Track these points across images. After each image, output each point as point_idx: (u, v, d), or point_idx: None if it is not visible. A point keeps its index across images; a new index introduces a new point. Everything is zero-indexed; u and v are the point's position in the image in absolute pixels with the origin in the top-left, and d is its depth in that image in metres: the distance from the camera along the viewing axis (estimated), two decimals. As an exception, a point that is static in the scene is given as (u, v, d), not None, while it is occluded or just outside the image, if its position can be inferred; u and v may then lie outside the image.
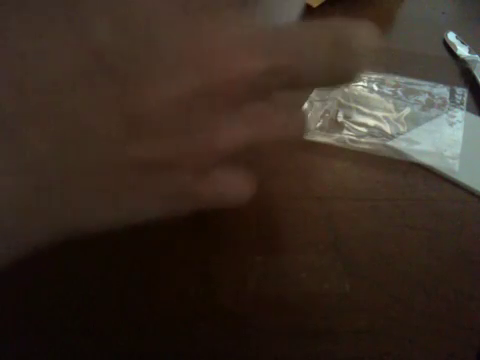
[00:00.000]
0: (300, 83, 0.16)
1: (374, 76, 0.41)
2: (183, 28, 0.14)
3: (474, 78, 0.42)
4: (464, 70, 0.43)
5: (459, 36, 0.48)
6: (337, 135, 0.35)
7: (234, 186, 0.18)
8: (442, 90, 0.40)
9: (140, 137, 0.14)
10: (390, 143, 0.34)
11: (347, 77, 0.17)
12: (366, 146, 0.34)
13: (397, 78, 0.41)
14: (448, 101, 0.39)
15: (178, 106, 0.14)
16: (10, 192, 0.13)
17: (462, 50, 0.46)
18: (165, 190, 0.16)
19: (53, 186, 0.14)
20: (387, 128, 0.36)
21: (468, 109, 0.38)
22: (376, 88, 0.40)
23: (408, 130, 0.36)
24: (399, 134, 0.35)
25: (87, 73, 0.13)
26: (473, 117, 0.37)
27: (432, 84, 0.41)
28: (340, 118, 0.37)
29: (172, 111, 0.14)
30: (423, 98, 0.39)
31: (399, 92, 0.40)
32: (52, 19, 0.13)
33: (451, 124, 0.36)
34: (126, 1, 0.13)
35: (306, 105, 0.38)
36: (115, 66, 0.13)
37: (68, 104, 0.13)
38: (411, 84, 0.41)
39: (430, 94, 0.39)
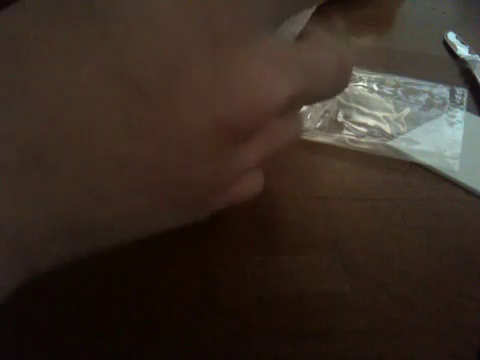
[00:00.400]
0: (312, 101, 0.17)
1: (374, 76, 0.41)
2: (212, 63, 0.14)
3: (474, 78, 0.42)
4: (464, 70, 0.43)
5: (459, 36, 0.48)
6: (337, 135, 0.35)
7: (246, 186, 0.18)
8: (442, 90, 0.40)
9: (174, 162, 0.15)
10: (390, 143, 0.34)
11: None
12: (366, 146, 0.34)
13: (397, 78, 0.41)
14: (448, 101, 0.39)
15: (208, 136, 0.14)
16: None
17: (462, 50, 0.46)
18: (186, 204, 0.17)
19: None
20: (387, 128, 0.36)
21: (468, 109, 0.38)
22: (376, 88, 0.40)
23: (408, 130, 0.36)
24: (399, 134, 0.35)
25: (125, 102, 0.13)
26: (473, 117, 0.37)
27: (432, 84, 0.41)
28: (340, 118, 0.37)
29: (202, 141, 0.14)
30: (423, 98, 0.39)
31: (399, 92, 0.40)
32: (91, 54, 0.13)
33: (451, 124, 0.36)
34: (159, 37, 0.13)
35: (306, 105, 0.38)
36: (151, 94, 0.13)
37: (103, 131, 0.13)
38: (411, 84, 0.41)
39: (430, 94, 0.39)
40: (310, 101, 0.18)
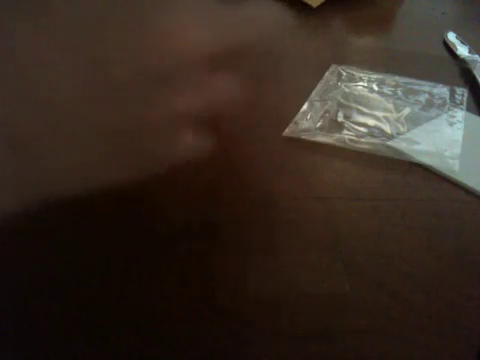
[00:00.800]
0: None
1: (374, 76, 0.41)
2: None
3: (474, 78, 0.42)
4: (464, 70, 0.43)
5: (459, 36, 0.48)
6: (337, 135, 0.35)
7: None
8: (442, 90, 0.40)
9: (109, 105, 0.16)
10: (390, 143, 0.34)
11: None
12: (366, 146, 0.34)
13: (397, 78, 0.41)
14: (448, 101, 0.39)
15: (138, 81, 0.16)
16: None
17: (462, 50, 0.46)
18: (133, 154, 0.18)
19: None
20: (387, 128, 0.36)
21: (468, 109, 0.38)
22: (376, 88, 0.40)
23: (408, 130, 0.36)
24: (399, 134, 0.35)
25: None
26: (473, 117, 0.37)
27: (432, 84, 0.41)
28: (340, 118, 0.37)
29: (133, 85, 0.16)
30: (423, 98, 0.39)
31: (399, 92, 0.40)
32: None
33: (451, 124, 0.36)
34: None
35: (306, 105, 0.38)
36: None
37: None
38: (411, 84, 0.41)
39: (430, 94, 0.39)
40: None
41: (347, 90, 0.40)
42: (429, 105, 0.38)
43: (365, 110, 0.38)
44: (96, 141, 0.18)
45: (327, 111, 0.37)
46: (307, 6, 0.52)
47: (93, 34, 0.16)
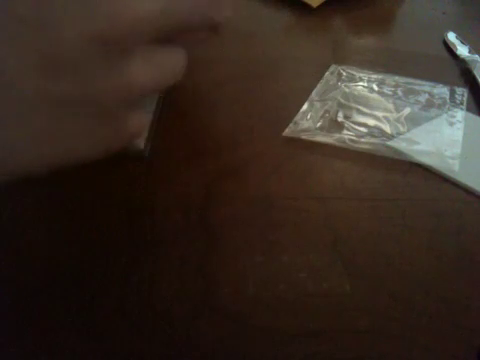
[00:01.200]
0: (187, 27, 0.20)
1: (374, 76, 0.41)
2: None
3: (474, 78, 0.42)
4: (464, 70, 0.43)
5: (459, 36, 0.48)
6: (337, 135, 0.35)
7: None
8: (442, 90, 0.40)
9: (56, 76, 0.16)
10: (390, 143, 0.34)
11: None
12: (366, 146, 0.34)
13: (397, 78, 0.41)
14: (448, 101, 0.39)
15: (85, 48, 0.16)
16: None
17: (462, 50, 0.46)
18: (92, 122, 0.18)
19: None
20: (387, 128, 0.36)
21: (468, 109, 0.38)
22: (376, 88, 0.40)
23: (408, 130, 0.36)
24: (399, 134, 0.35)
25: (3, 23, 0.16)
26: (473, 117, 0.37)
27: (432, 84, 0.41)
28: (340, 118, 0.37)
29: (80, 53, 0.16)
30: (423, 98, 0.39)
31: (399, 92, 0.40)
32: None
33: (451, 124, 0.36)
34: None
35: (306, 105, 0.38)
36: (29, 15, 0.16)
37: None
38: (411, 84, 0.41)
39: (430, 94, 0.39)
40: (180, 25, 0.20)
41: (347, 90, 0.40)
42: (429, 105, 0.38)
43: (365, 110, 0.38)
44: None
45: (327, 111, 0.37)
46: (307, 6, 0.52)
47: None
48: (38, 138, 0.18)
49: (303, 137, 0.35)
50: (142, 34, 0.18)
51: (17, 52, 0.16)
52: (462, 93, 0.40)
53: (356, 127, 0.36)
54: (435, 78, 0.41)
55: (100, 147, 0.19)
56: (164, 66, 0.19)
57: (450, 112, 0.37)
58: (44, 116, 0.17)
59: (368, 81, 0.41)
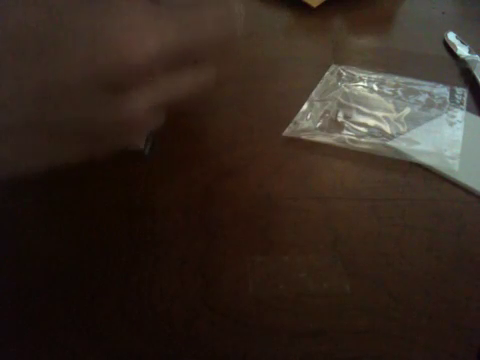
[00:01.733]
0: (193, 55, 0.20)
1: (374, 76, 0.41)
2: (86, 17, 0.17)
3: (474, 78, 0.42)
4: (464, 70, 0.43)
5: (459, 36, 0.48)
6: (337, 135, 0.35)
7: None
8: (442, 90, 0.40)
9: (54, 105, 0.17)
10: (390, 143, 0.34)
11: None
12: (366, 146, 0.34)
13: (397, 78, 0.41)
14: (448, 101, 0.39)
15: (88, 81, 0.17)
16: None
17: (462, 50, 0.46)
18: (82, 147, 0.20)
19: None
20: (387, 128, 0.36)
21: (468, 109, 0.38)
22: (376, 88, 0.40)
23: (408, 130, 0.36)
24: (399, 134, 0.35)
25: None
26: (473, 117, 0.37)
27: (432, 84, 0.41)
28: (340, 118, 0.37)
29: (83, 84, 0.17)
30: (423, 98, 0.39)
31: (399, 92, 0.40)
32: None
33: (451, 124, 0.36)
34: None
35: (306, 105, 0.38)
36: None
37: None
38: (411, 84, 0.41)
39: (430, 94, 0.39)
40: (192, 55, 0.20)
41: (347, 90, 0.40)
42: (429, 105, 0.38)
43: (365, 110, 0.38)
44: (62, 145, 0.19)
45: (327, 111, 0.37)
46: (307, 6, 0.52)
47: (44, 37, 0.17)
48: (25, 154, 0.18)
49: (303, 137, 0.35)
50: (147, 68, 0.18)
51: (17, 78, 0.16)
52: (462, 93, 0.40)
53: (356, 127, 0.36)
54: (435, 78, 0.41)
55: (92, 155, 0.20)
56: (168, 93, 0.20)
57: (450, 112, 0.37)
58: (33, 137, 0.18)
59: (368, 81, 0.41)
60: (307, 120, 0.36)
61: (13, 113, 0.17)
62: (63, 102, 0.17)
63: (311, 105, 0.38)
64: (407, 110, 0.37)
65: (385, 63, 0.44)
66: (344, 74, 0.42)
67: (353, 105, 0.38)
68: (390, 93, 0.39)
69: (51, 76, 0.16)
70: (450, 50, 0.47)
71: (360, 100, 0.39)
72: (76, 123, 0.18)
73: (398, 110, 0.38)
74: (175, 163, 0.33)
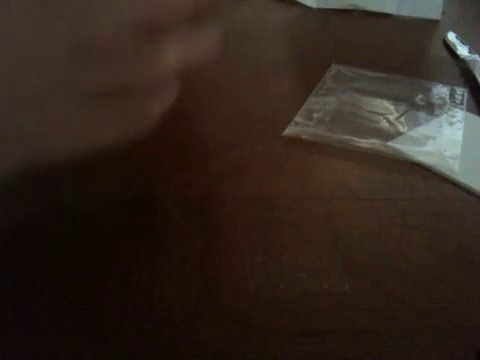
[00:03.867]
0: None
1: (374, 76, 0.41)
2: None
3: (474, 78, 0.42)
4: (464, 70, 0.43)
5: (459, 36, 0.48)
6: (337, 135, 0.35)
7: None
8: (442, 90, 0.40)
9: (88, 64, 0.17)
10: (390, 143, 0.34)
11: None
12: (366, 146, 0.34)
13: (397, 78, 0.41)
14: (448, 101, 0.39)
15: (121, 34, 0.17)
16: None
17: (462, 50, 0.46)
18: (113, 117, 0.19)
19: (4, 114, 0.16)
20: (387, 128, 0.36)
21: (468, 109, 0.38)
22: (376, 88, 0.40)
23: (408, 130, 0.36)
24: (399, 134, 0.35)
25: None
26: (473, 117, 0.38)
27: (432, 84, 0.41)
28: (340, 118, 0.37)
29: (116, 39, 0.17)
30: (423, 98, 0.39)
31: (399, 92, 0.40)
32: None
33: (451, 124, 0.36)
34: None
35: (306, 105, 0.38)
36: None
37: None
38: (411, 84, 0.41)
39: (430, 94, 0.39)
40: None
41: (347, 90, 0.40)
42: (429, 105, 0.38)
43: (365, 110, 0.38)
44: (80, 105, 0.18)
45: (327, 111, 0.37)
46: (307, 6, 0.52)
47: None
48: (60, 125, 0.17)
49: (303, 137, 0.35)
50: (175, 15, 0.18)
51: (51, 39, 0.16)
52: (462, 93, 0.40)
53: (356, 127, 0.36)
54: (435, 78, 0.41)
55: (122, 133, 0.19)
56: (196, 46, 0.20)
57: (450, 112, 0.37)
58: (68, 105, 0.17)
59: (368, 81, 0.41)
60: (307, 120, 0.36)
61: (46, 74, 0.16)
62: (97, 58, 0.17)
63: (311, 105, 0.38)
64: (407, 110, 0.38)
65: (385, 63, 0.44)
66: (344, 74, 0.42)
67: (353, 105, 0.38)
68: (390, 93, 0.39)
69: (88, 29, 0.16)
70: (450, 50, 0.47)
71: (360, 100, 0.39)
72: (108, 84, 0.17)
73: (398, 110, 0.38)
74: (175, 163, 0.33)
